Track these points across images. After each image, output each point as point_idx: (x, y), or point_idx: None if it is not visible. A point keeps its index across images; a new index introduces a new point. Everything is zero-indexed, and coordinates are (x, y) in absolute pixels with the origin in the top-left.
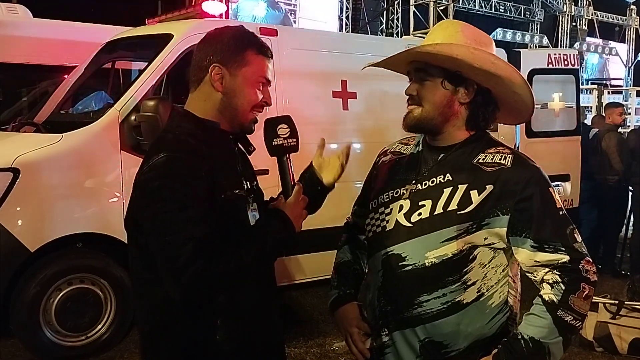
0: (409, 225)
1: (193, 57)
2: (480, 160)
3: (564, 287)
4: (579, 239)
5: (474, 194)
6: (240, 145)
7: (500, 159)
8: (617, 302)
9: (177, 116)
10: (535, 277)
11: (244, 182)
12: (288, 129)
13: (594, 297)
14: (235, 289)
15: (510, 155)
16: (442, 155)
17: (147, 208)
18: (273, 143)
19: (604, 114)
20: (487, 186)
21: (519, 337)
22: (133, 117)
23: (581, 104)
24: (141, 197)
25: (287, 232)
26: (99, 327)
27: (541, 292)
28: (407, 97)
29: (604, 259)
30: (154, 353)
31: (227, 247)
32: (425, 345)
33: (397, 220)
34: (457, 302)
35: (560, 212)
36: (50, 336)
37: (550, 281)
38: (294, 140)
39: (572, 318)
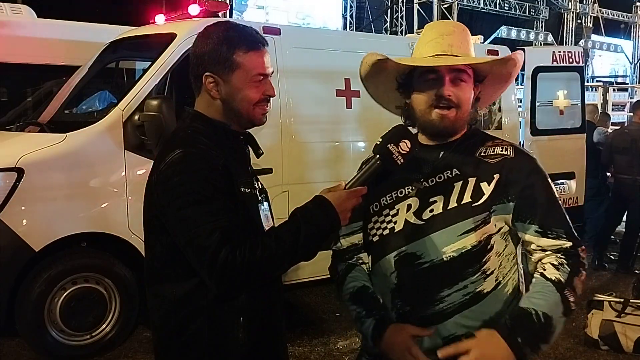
0: (421, 222)
1: (189, 62)
2: (482, 154)
3: (569, 269)
4: (572, 225)
5: (484, 185)
6: (250, 148)
7: (502, 150)
8: (622, 300)
9: (187, 117)
10: (532, 256)
11: (255, 182)
12: (407, 150)
13: (598, 295)
14: (259, 285)
15: (511, 147)
16: (442, 152)
17: (170, 204)
18: (388, 146)
19: (608, 112)
20: (494, 176)
21: (533, 312)
22: (137, 117)
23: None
24: (162, 194)
25: (328, 222)
26: (104, 326)
27: (544, 272)
28: (436, 100)
29: (621, 256)
30: (173, 352)
31: (256, 236)
32: (447, 343)
33: (406, 219)
34: (478, 292)
35: (559, 201)
36: (54, 335)
37: (555, 263)
38: (402, 160)
39: (573, 300)
